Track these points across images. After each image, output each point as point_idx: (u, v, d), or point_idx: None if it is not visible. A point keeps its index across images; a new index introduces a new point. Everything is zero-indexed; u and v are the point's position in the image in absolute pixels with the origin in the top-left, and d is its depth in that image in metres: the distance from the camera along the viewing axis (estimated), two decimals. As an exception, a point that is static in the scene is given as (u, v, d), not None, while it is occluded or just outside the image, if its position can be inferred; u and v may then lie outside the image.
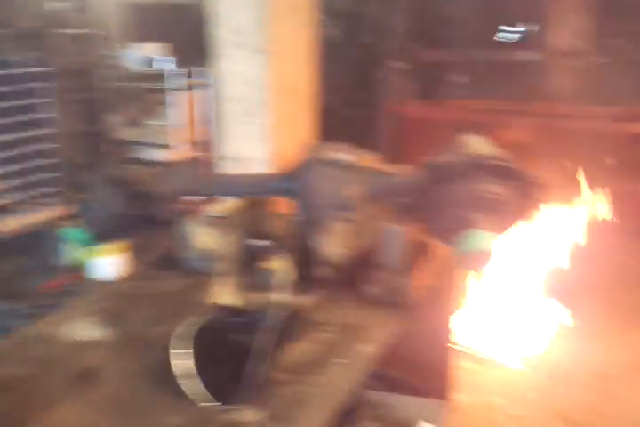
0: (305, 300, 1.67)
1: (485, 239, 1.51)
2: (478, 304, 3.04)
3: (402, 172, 1.75)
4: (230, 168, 4.45)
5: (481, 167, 1.51)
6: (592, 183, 3.15)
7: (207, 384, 1.28)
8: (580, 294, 3.19)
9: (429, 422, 2.06)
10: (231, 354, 1.32)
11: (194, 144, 4.78)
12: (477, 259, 1.52)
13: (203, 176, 2.18)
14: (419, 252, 1.78)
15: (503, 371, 2.88)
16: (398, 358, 2.23)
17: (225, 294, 1.47)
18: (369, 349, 1.48)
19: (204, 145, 4.72)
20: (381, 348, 1.51)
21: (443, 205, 1.58)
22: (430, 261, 1.81)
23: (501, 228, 1.56)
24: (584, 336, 3.08)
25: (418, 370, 2.23)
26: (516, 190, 1.52)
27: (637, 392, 2.72)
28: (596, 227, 3.15)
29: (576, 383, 2.79)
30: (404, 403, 2.04)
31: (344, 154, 1.79)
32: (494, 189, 1.51)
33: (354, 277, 1.76)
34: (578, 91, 3.74)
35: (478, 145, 1.59)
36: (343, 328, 1.56)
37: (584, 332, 3.10)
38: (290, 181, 1.84)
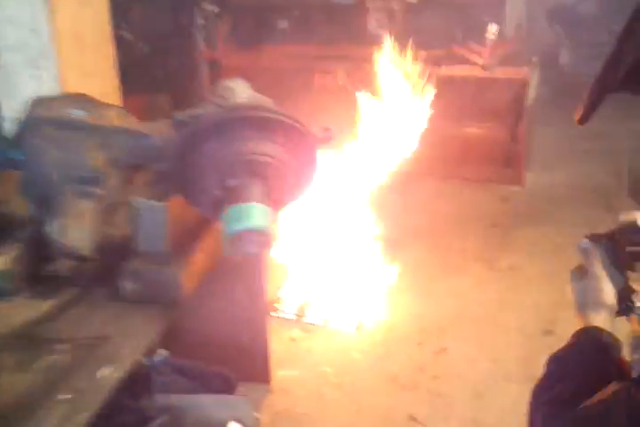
0: (29, 308, 1.25)
1: (260, 215, 1.17)
2: (301, 271, 2.78)
3: (156, 131, 1.35)
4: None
5: (243, 121, 1.14)
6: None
7: None
8: (400, 244, 3.04)
9: (245, 417, 1.76)
10: None
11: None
12: (251, 240, 1.18)
13: None
14: (188, 231, 1.41)
15: (333, 337, 2.66)
16: (210, 350, 1.91)
17: None
18: (112, 373, 1.10)
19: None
20: (131, 367, 1.14)
21: (203, 172, 1.21)
22: (205, 241, 1.44)
23: (279, 198, 1.22)
24: (410, 289, 2.94)
25: (234, 358, 1.93)
26: (292, 148, 1.18)
27: (464, 343, 2.63)
28: (402, 173, 2.97)
29: (406, 340, 2.64)
30: (212, 402, 1.73)
31: (78, 110, 1.35)
32: (263, 148, 1.16)
33: (108, 272, 1.36)
34: (393, 33, 3.55)
35: (242, 92, 1.22)
36: (80, 345, 1.17)
37: (410, 285, 2.96)
38: (8, 149, 1.37)
